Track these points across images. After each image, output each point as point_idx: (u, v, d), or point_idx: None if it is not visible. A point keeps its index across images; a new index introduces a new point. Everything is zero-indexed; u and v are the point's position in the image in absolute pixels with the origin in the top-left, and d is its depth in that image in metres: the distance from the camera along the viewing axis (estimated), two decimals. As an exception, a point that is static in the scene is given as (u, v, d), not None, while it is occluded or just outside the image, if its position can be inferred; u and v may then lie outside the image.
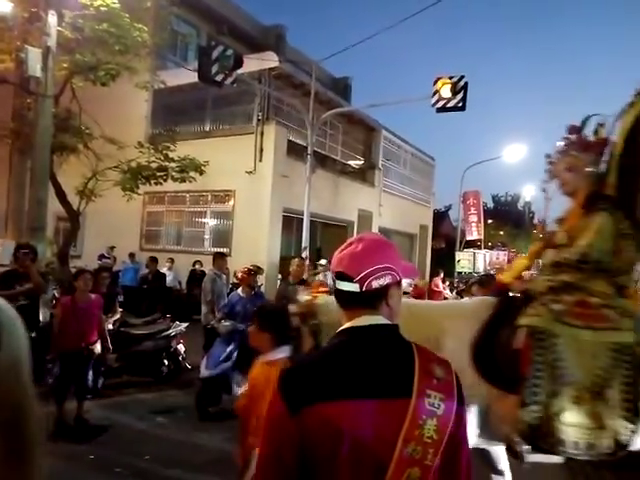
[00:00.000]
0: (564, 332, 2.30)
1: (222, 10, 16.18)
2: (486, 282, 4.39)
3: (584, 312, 2.33)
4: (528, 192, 33.51)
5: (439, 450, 1.12)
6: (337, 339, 1.22)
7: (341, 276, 1.22)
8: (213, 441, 4.33)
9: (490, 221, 32.86)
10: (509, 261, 16.88)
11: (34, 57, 7.15)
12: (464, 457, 1.18)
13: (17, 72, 8.55)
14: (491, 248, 21.77)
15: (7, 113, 10.20)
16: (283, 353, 2.35)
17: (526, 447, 2.33)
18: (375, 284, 1.18)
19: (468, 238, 18.59)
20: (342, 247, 1.27)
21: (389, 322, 1.21)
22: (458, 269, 15.74)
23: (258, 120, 11.92)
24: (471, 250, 16.74)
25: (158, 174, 9.68)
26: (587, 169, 2.69)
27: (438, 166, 21.57)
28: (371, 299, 1.20)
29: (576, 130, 2.75)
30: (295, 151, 12.70)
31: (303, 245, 10.94)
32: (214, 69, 9.13)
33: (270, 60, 11.82)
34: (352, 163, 16.76)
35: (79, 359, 4.61)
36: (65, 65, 8.44)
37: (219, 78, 9.08)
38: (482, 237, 18.77)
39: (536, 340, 2.32)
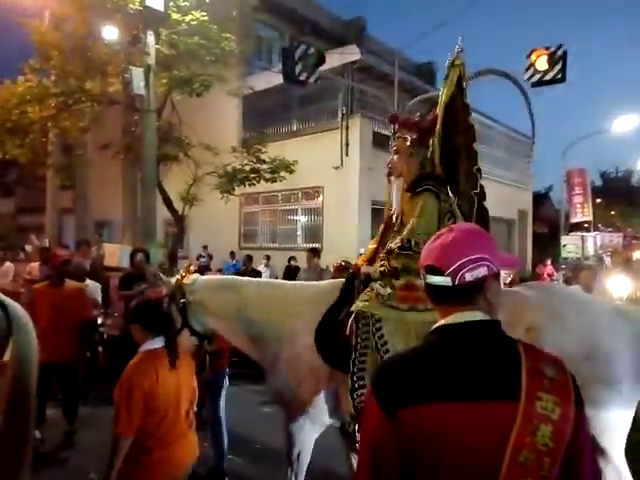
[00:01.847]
0: (389, 315, 2.35)
1: (303, 10, 16.45)
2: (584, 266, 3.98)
3: (409, 295, 2.37)
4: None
5: (557, 459, 1.00)
6: (431, 338, 1.14)
7: (431, 270, 1.14)
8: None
9: (599, 200, 29.96)
10: (627, 244, 15.17)
11: (138, 76, 7.82)
12: (587, 467, 1.05)
13: (124, 92, 9.42)
14: (601, 229, 19.83)
15: (118, 131, 11.29)
16: (157, 344, 2.34)
17: (354, 423, 2.41)
18: (469, 277, 1.09)
19: (573, 220, 17.07)
20: (432, 239, 1.19)
21: (488, 318, 1.12)
22: (564, 254, 14.51)
23: (343, 115, 11.97)
24: (579, 233, 15.34)
25: (251, 176, 10.14)
26: (412, 149, 2.68)
27: (536, 145, 20.07)
28: (466, 293, 1.11)
29: (394, 118, 2.79)
30: (381, 142, 12.53)
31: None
32: (298, 69, 9.32)
33: (352, 53, 11.79)
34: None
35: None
36: (164, 81, 9.12)
37: (303, 77, 9.26)
38: (590, 218, 17.13)
39: (363, 325, 2.38)
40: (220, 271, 11.05)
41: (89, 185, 14.90)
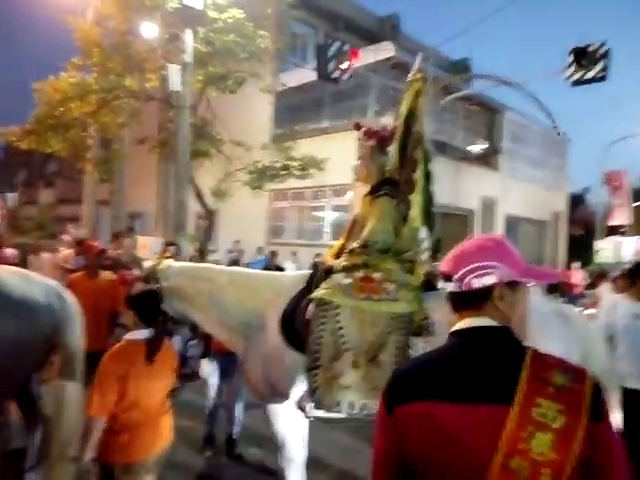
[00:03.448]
0: (347, 303, 2.55)
1: (337, 7, 16.42)
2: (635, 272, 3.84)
3: (367, 286, 2.58)
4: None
5: (562, 472, 0.94)
6: (446, 342, 1.18)
7: (444, 276, 1.19)
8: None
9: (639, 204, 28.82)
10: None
11: (174, 73, 8.00)
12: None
13: (161, 88, 9.64)
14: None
15: (154, 126, 11.58)
16: (142, 335, 2.37)
17: (310, 404, 2.57)
18: (476, 283, 1.11)
19: (611, 224, 16.50)
20: (455, 248, 1.23)
21: (497, 324, 1.12)
22: (598, 260, 14.04)
23: (375, 112, 11.92)
24: (614, 238, 14.81)
25: (281, 172, 10.23)
26: (373, 156, 2.88)
27: (573, 144, 19.50)
28: (473, 300, 1.13)
29: (358, 126, 2.98)
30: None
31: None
32: (331, 66, 9.35)
33: (386, 50, 11.72)
34: (474, 148, 15.92)
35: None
36: (200, 77, 9.29)
37: (336, 74, 9.28)
38: (629, 222, 16.51)
39: (322, 311, 2.56)
40: (247, 265, 11.24)
41: (125, 179, 15.34)
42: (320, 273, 2.81)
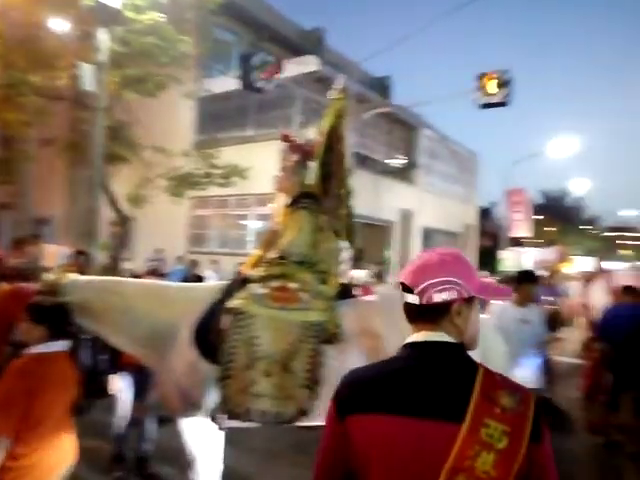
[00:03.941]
0: (261, 313, 2.59)
1: (263, 16, 16.48)
2: (523, 279, 4.28)
3: (282, 295, 2.64)
4: (578, 187, 32.10)
5: None
6: (398, 352, 1.19)
7: (404, 287, 1.18)
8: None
9: (541, 217, 31.71)
10: (560, 259, 16.21)
11: (88, 72, 7.58)
12: None
13: (72, 87, 9.08)
14: (540, 246, 20.98)
15: (64, 127, 10.85)
16: (57, 347, 2.37)
17: (223, 415, 2.58)
18: (437, 298, 1.12)
19: (512, 236, 18.04)
20: (415, 259, 1.24)
21: (452, 340, 1.14)
22: (502, 268, 15.30)
23: (300, 124, 12.08)
24: (516, 248, 16.23)
25: (203, 180, 10.02)
26: (295, 169, 2.98)
27: (482, 162, 21.05)
28: (432, 313, 1.14)
29: (285, 137, 3.09)
30: (335, 153, 12.76)
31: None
32: (255, 76, 9.36)
33: (310, 63, 11.94)
34: (393, 162, 16.66)
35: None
36: (116, 79, 8.88)
37: (260, 84, 9.31)
38: (529, 235, 18.15)
39: (236, 320, 2.58)
40: (164, 275, 10.83)
41: (31, 181, 14.19)
42: (236, 283, 2.82)
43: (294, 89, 11.58)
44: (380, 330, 2.59)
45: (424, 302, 1.13)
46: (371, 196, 14.49)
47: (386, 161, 16.30)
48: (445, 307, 1.13)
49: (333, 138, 3.02)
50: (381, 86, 18.38)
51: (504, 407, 1.04)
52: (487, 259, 19.34)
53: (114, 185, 9.64)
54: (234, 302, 2.64)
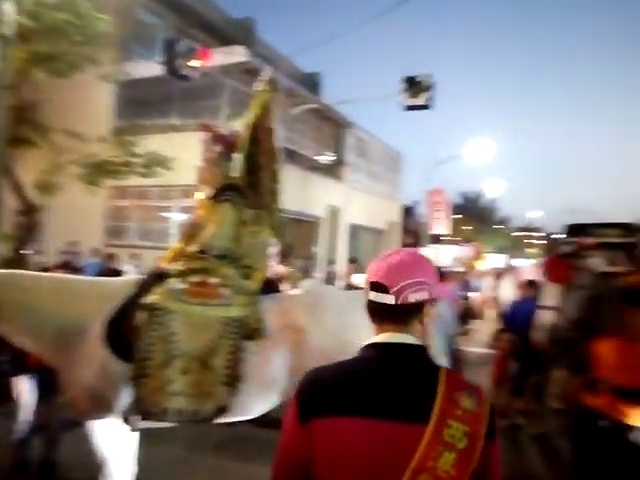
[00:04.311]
0: (180, 309, 2.52)
1: (191, 1, 15.89)
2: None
3: (202, 291, 2.58)
4: (492, 188, 34.46)
5: None
6: (362, 353, 1.18)
7: (377, 287, 1.16)
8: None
9: (460, 216, 33.64)
10: (475, 256, 17.31)
11: (-10, 46, 6.86)
12: None
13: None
14: (459, 243, 22.22)
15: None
16: None
17: (137, 416, 2.49)
18: (412, 298, 1.13)
19: (432, 233, 19.01)
20: (379, 258, 1.22)
21: (417, 342, 1.15)
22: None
23: (227, 115, 11.80)
24: (435, 246, 17.12)
25: (122, 169, 9.49)
26: (218, 161, 2.93)
27: (407, 162, 21.92)
28: (405, 314, 1.15)
29: (207, 128, 3.05)
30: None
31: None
32: (180, 62, 9.01)
33: (238, 54, 11.70)
34: (321, 159, 16.82)
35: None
36: (23, 55, 8.14)
37: (186, 72, 8.96)
38: (448, 232, 19.21)
39: (152, 317, 2.50)
40: (78, 269, 10.14)
41: None
42: (152, 278, 2.71)
43: (222, 79, 11.28)
44: (303, 324, 2.60)
45: (399, 302, 1.13)
46: (299, 192, 14.53)
47: (315, 157, 16.41)
48: (418, 307, 1.15)
49: (259, 130, 2.97)
50: (311, 82, 18.45)
51: (465, 408, 1.08)
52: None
53: (20, 171, 8.84)
54: (150, 298, 2.55)
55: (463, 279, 8.91)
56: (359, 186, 18.18)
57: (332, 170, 17.06)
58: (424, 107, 10.25)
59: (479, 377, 6.35)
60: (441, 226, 18.97)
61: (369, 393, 1.08)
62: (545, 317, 3.92)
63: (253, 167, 2.96)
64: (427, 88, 9.99)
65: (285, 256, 14.26)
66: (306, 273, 9.99)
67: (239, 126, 3.12)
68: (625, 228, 6.97)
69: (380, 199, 20.01)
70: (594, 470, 3.06)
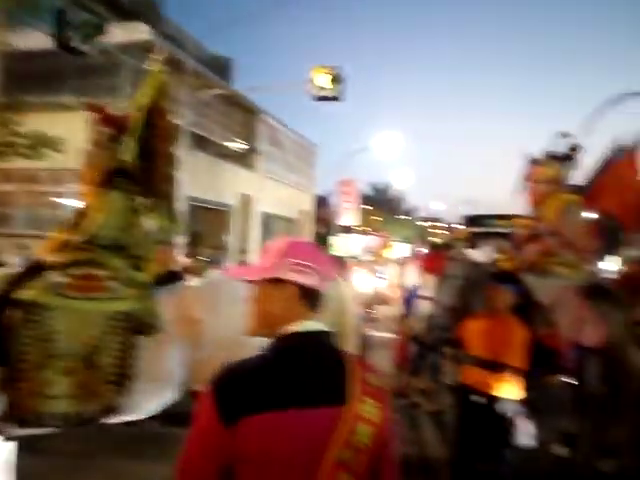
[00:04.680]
0: (60, 304, 2.33)
1: (86, -31, 14.58)
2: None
3: (87, 284, 2.40)
4: (399, 180, 36.11)
5: (370, 457, 1.13)
6: (279, 344, 1.17)
7: (304, 269, 1.17)
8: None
9: (370, 207, 34.82)
10: (381, 245, 18.12)
11: None
12: (390, 460, 1.21)
13: None
14: (368, 233, 23.04)
15: None
16: None
17: (12, 423, 2.28)
18: (326, 284, 1.19)
19: (342, 224, 19.50)
20: (290, 240, 1.24)
21: (325, 328, 1.20)
22: (332, 253, 16.48)
23: (127, 95, 11.05)
24: (345, 235, 17.61)
25: (4, 150, 8.51)
26: (107, 144, 2.73)
27: (322, 152, 22.15)
28: (319, 299, 1.19)
29: (94, 106, 2.83)
30: (170, 131, 12.04)
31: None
32: (74, 36, 8.25)
33: (140, 31, 10.98)
34: (232, 146, 16.43)
35: None
36: None
37: (79, 46, 8.23)
38: (357, 223, 19.80)
39: (28, 314, 2.28)
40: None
41: None
42: (28, 271, 2.44)
43: (121, 57, 10.51)
44: (200, 315, 2.52)
45: (313, 286, 1.16)
46: (210, 179, 14.10)
47: (226, 144, 15.99)
48: (320, 293, 1.20)
49: (154, 113, 2.80)
50: (222, 66, 17.85)
51: (373, 384, 1.18)
52: (321, 244, 20.50)
53: None
54: (25, 293, 2.30)
55: (371, 267, 9.23)
56: (272, 175, 18.05)
57: (244, 158, 16.75)
58: (334, 98, 10.38)
59: (383, 360, 6.64)
60: (350, 216, 19.49)
61: (295, 384, 1.10)
62: (424, 307, 4.12)
63: (146, 151, 2.78)
64: (337, 79, 10.12)
65: (194, 245, 13.87)
66: (216, 263, 9.73)
67: (131, 107, 2.90)
68: (513, 219, 7.62)
69: (293, 189, 20.07)
70: (471, 441, 3.36)
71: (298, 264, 1.17)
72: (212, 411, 1.07)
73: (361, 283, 9.31)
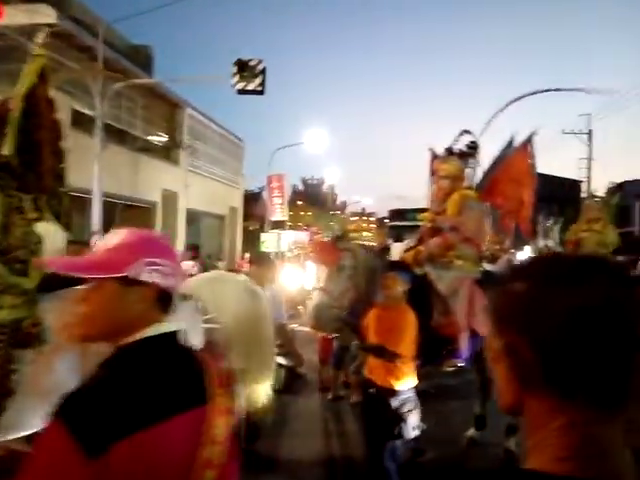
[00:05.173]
0: None
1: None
2: (256, 260, 4.54)
3: None
4: (331, 176, 36.61)
5: (227, 448, 1.10)
6: (131, 352, 1.04)
7: (162, 266, 1.08)
8: None
9: (300, 202, 34.89)
10: (311, 240, 18.19)
11: None
12: (236, 448, 1.19)
13: None
14: (299, 228, 23.05)
15: None
16: None
17: None
18: (162, 281, 1.07)
19: (272, 219, 19.37)
20: (139, 235, 1.12)
21: (178, 328, 1.12)
22: (263, 249, 16.34)
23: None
24: (276, 231, 17.50)
25: None
26: None
27: (250, 148, 21.81)
28: (171, 301, 1.12)
29: None
30: (82, 123, 11.30)
31: (94, 228, 9.90)
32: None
33: (45, 14, 10.15)
34: (154, 140, 15.74)
35: None
36: None
37: (-31, 27, 7.45)
38: (286, 218, 19.75)
39: None
40: None
41: None
42: None
43: (24, 42, 9.65)
44: None
45: (171, 288, 1.10)
46: (130, 175, 13.43)
47: (147, 138, 15.29)
48: (173, 293, 1.13)
49: (36, 102, 2.56)
50: (142, 56, 16.96)
51: (224, 377, 1.17)
52: (252, 241, 20.24)
53: None
54: None
55: (301, 263, 9.23)
56: (198, 170, 17.51)
57: (167, 153, 16.11)
58: (257, 92, 10.19)
59: (307, 355, 6.66)
60: (279, 212, 19.41)
61: (160, 395, 1.01)
62: (317, 297, 4.11)
63: (30, 144, 2.53)
64: (259, 73, 9.95)
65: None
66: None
67: (11, 96, 2.62)
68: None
69: (222, 184, 19.62)
70: (371, 432, 3.46)
71: (154, 262, 1.06)
72: (68, 444, 0.89)
73: (290, 279, 9.28)
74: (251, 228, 24.36)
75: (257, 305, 2.91)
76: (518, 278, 0.66)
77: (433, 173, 4.08)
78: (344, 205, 42.66)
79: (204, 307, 2.64)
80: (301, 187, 42.77)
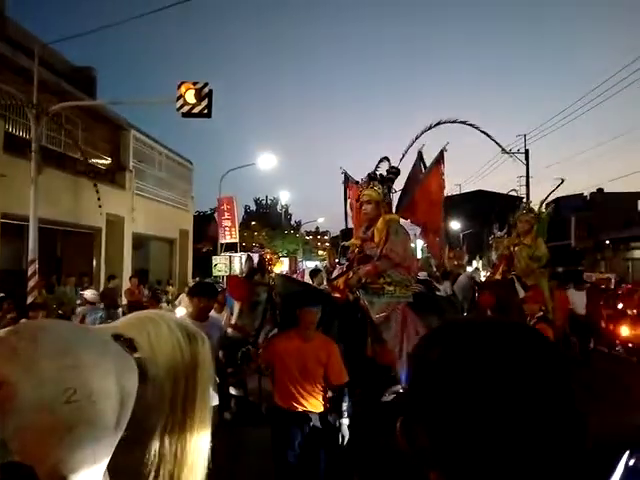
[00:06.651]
0: None
1: None
2: (196, 292, 4.22)
3: None
4: (284, 196, 36.58)
5: None
6: None
7: None
8: None
9: (253, 223, 34.57)
10: (269, 261, 17.96)
11: None
12: None
13: None
14: (253, 250, 22.72)
15: None
16: None
17: None
18: None
19: (222, 242, 19.05)
20: None
21: None
22: (215, 273, 15.94)
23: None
24: (228, 253, 17.18)
25: None
26: None
27: (202, 169, 21.52)
28: None
29: None
30: (17, 146, 10.80)
31: (30, 257, 9.36)
32: None
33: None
34: (97, 163, 15.22)
35: None
36: None
37: None
38: (236, 241, 19.47)
39: None
40: None
41: None
42: None
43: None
44: (11, 377, 2.00)
45: None
46: (70, 200, 12.87)
47: (91, 161, 14.75)
48: None
49: None
50: (84, 78, 16.48)
51: None
52: (204, 264, 19.79)
53: None
54: None
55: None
56: (145, 194, 17.03)
57: (112, 176, 15.59)
58: (203, 115, 10.08)
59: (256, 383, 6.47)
60: (229, 234, 19.13)
61: None
62: (231, 334, 3.87)
63: None
64: (204, 96, 9.86)
65: (57, 274, 12.44)
66: (75, 293, 8.80)
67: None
68: None
69: (171, 207, 19.16)
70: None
71: None
72: None
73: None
74: (204, 250, 23.82)
75: (194, 351, 2.58)
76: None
77: (348, 196, 4.13)
78: (299, 224, 42.74)
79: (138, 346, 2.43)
80: (254, 208, 42.49)
